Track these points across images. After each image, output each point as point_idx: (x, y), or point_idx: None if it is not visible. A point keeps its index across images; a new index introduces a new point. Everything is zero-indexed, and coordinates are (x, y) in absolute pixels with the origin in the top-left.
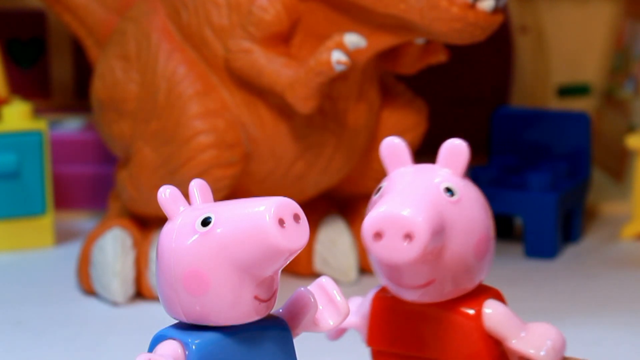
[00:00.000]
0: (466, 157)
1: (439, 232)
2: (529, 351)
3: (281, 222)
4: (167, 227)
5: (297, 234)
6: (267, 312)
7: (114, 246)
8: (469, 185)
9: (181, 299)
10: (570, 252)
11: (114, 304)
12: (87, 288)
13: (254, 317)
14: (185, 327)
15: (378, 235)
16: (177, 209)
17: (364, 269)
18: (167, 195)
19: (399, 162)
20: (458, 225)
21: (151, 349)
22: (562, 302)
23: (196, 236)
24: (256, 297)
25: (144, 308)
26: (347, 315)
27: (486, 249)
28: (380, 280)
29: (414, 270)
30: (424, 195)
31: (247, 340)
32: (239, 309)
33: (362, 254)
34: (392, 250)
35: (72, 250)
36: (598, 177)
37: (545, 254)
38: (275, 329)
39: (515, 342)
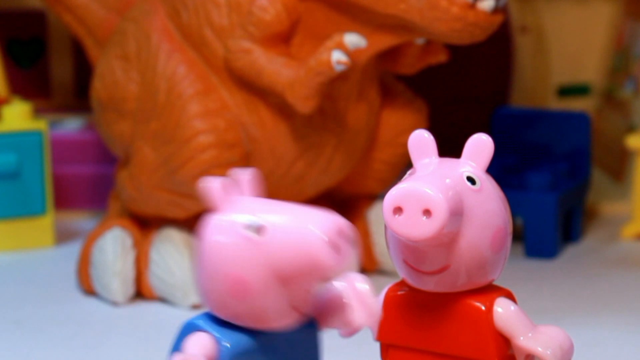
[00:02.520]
0: (490, 153)
1: (457, 213)
2: (537, 349)
3: (335, 247)
4: (215, 221)
5: (347, 256)
6: (301, 320)
7: (114, 246)
8: (491, 180)
9: (221, 297)
10: (570, 252)
11: (114, 304)
12: (87, 288)
13: (291, 324)
14: (218, 320)
15: (398, 210)
16: (227, 201)
17: (364, 269)
18: (217, 185)
19: (425, 155)
20: (476, 213)
21: (182, 336)
22: (562, 302)
23: (247, 242)
24: (294, 308)
25: (144, 308)
26: (376, 315)
27: (502, 243)
28: (397, 268)
29: (429, 252)
30: (446, 178)
31: (278, 345)
32: (277, 316)
33: (362, 253)
34: (410, 225)
35: (72, 250)
36: (598, 177)
37: (545, 254)
38: (306, 333)
39: (523, 339)
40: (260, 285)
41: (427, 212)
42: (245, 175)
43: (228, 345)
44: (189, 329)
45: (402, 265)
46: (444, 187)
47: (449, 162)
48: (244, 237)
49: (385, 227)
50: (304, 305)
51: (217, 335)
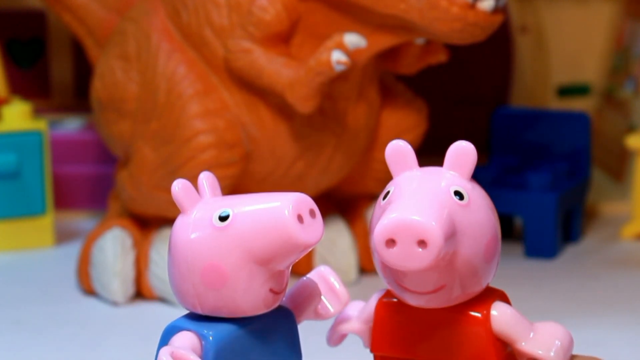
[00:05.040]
0: (474, 160)
1: (452, 236)
2: (538, 352)
3: (299, 218)
4: (181, 220)
5: (314, 229)
6: (278, 304)
7: (114, 246)
8: (477, 187)
9: (198, 291)
10: (570, 252)
11: (114, 304)
12: (87, 288)
13: (268, 309)
14: (198, 318)
15: (391, 242)
16: (191, 203)
17: (364, 269)
18: (180, 188)
19: (405, 165)
20: (468, 228)
21: (165, 340)
22: (562, 302)
23: (215, 231)
24: (271, 290)
25: (144, 308)
26: (347, 302)
27: (495, 251)
28: (386, 284)
29: (424, 276)
30: (434, 199)
31: (259, 331)
32: (255, 301)
33: (362, 253)
34: (406, 257)
35: (72, 250)
36: (598, 177)
37: (545, 254)
38: (283, 319)
39: (525, 345)
40: (235, 270)
41: (422, 243)
42: (205, 178)
43: (211, 338)
44: (171, 332)
45: (395, 286)
46: (435, 212)
47: (432, 174)
48: (211, 227)
49: (374, 252)
50: (280, 287)
51: (199, 330)
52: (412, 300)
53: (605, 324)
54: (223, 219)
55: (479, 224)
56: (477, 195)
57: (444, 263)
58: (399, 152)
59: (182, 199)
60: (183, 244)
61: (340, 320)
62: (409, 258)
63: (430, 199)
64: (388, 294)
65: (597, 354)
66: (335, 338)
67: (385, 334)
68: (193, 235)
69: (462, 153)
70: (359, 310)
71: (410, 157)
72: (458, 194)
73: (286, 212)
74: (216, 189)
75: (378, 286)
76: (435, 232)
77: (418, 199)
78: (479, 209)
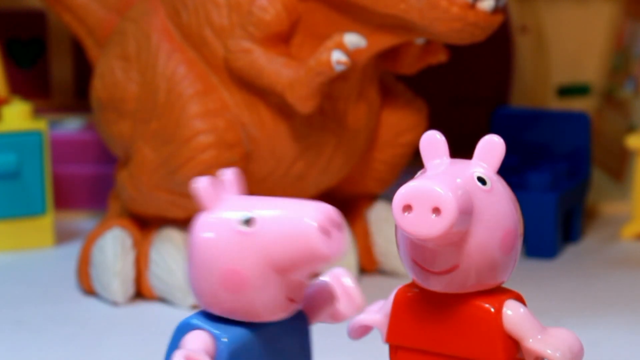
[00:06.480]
0: (502, 154)
1: (467, 212)
2: (546, 351)
3: (325, 231)
4: (205, 218)
5: (339, 242)
6: (295, 310)
7: (114, 246)
8: (502, 182)
9: (214, 292)
10: (570, 252)
11: (114, 304)
12: (87, 288)
13: (285, 316)
14: (213, 317)
15: (407, 208)
16: (214, 200)
17: (364, 269)
18: (203, 185)
19: (436, 156)
20: (486, 214)
21: (178, 336)
22: (562, 302)
23: (237, 235)
24: (288, 298)
25: (144, 308)
26: (361, 306)
27: (512, 245)
28: (406, 268)
29: (438, 252)
30: (456, 177)
31: (272, 335)
32: (272, 307)
33: (362, 253)
34: (419, 223)
35: (72, 250)
36: (598, 177)
37: (545, 254)
38: (296, 322)
39: (532, 342)
40: (254, 277)
41: (436, 210)
42: (229, 175)
43: (226, 340)
44: (185, 328)
45: (412, 265)
46: (454, 185)
47: (460, 162)
48: (234, 230)
49: (396, 226)
50: (298, 296)
51: (214, 331)
52: (428, 283)
53: (605, 324)
54: (247, 222)
55: (497, 212)
56: (500, 187)
57: (458, 239)
58: (431, 142)
59: (205, 197)
60: (203, 243)
61: (362, 313)
62: (422, 224)
63: (452, 176)
64: (407, 286)
65: (597, 354)
66: (356, 329)
67: (402, 325)
68: (214, 236)
69: (492, 147)
70: (381, 305)
71: (442, 147)
72: (481, 179)
73: (313, 224)
74: (240, 187)
75: (378, 286)
76: (450, 201)
77: (440, 174)
78: (500, 199)
